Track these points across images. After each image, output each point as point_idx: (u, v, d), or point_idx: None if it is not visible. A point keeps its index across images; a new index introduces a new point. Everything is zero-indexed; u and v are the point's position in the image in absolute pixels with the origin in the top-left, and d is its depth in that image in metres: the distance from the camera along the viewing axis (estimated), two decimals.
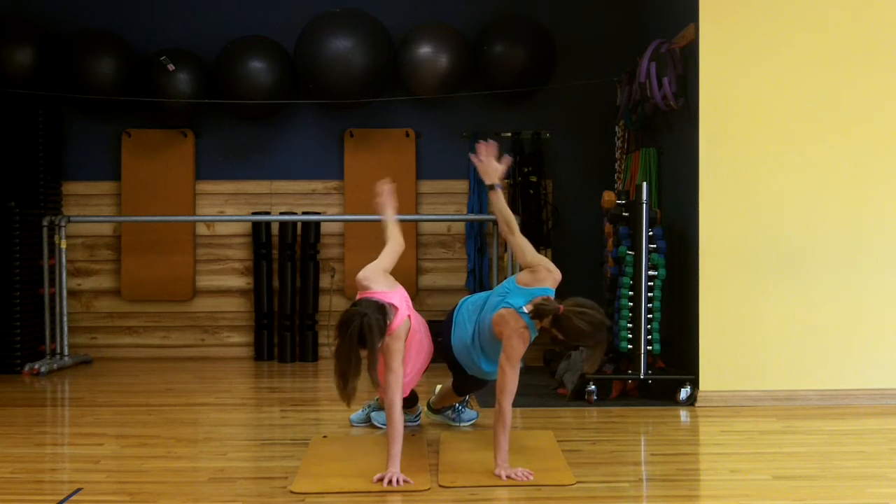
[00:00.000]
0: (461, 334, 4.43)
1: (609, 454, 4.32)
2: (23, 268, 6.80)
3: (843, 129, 5.38)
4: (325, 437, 4.64)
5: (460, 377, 4.60)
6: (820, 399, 5.34)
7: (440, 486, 3.78)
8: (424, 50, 7.08)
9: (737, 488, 3.75)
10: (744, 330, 5.37)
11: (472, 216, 7.41)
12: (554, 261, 7.34)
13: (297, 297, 7.37)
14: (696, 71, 5.45)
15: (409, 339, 4.21)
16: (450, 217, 7.50)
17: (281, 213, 7.45)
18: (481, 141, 4.40)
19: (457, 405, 4.90)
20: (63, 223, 6.87)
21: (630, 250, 5.63)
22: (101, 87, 7.07)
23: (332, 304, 7.43)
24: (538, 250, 7.27)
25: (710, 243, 5.38)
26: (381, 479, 3.76)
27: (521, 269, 4.30)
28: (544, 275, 4.14)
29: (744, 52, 5.38)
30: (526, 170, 7.42)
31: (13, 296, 6.74)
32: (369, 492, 3.70)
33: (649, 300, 5.57)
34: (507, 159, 4.38)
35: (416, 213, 7.45)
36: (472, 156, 4.41)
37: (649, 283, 5.58)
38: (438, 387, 4.95)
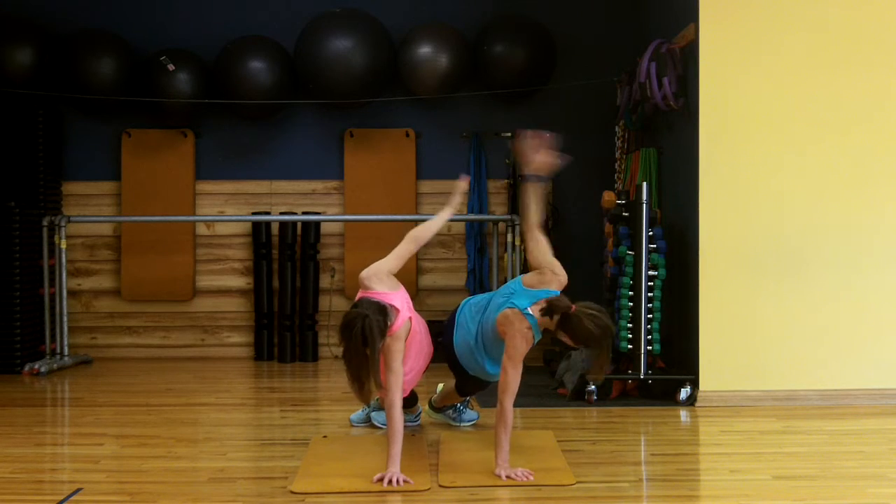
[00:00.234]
0: (464, 335, 4.42)
1: (609, 454, 4.32)
2: (23, 268, 6.80)
3: (843, 129, 5.38)
4: (325, 437, 4.64)
5: (462, 378, 4.60)
6: (820, 399, 5.34)
7: (440, 486, 3.78)
8: (424, 50, 7.08)
9: (737, 488, 3.75)
10: (744, 330, 5.37)
11: (472, 216, 7.41)
12: None
13: (297, 297, 7.38)
14: (696, 71, 5.45)
15: (410, 340, 4.21)
16: (449, 217, 7.47)
17: (281, 213, 7.45)
18: (539, 132, 4.24)
19: (458, 405, 4.90)
20: (63, 223, 6.87)
21: (630, 250, 5.63)
22: (101, 87, 7.07)
23: (332, 304, 7.43)
24: None
25: (710, 243, 5.38)
26: (381, 479, 3.76)
27: (524, 271, 4.28)
28: (550, 277, 4.14)
29: (744, 52, 5.38)
30: None
31: (13, 296, 6.74)
32: (369, 492, 3.69)
33: (649, 300, 5.57)
34: (566, 157, 4.28)
35: (416, 213, 7.45)
36: (522, 137, 4.26)
37: (649, 283, 5.58)
38: (440, 385, 4.95)
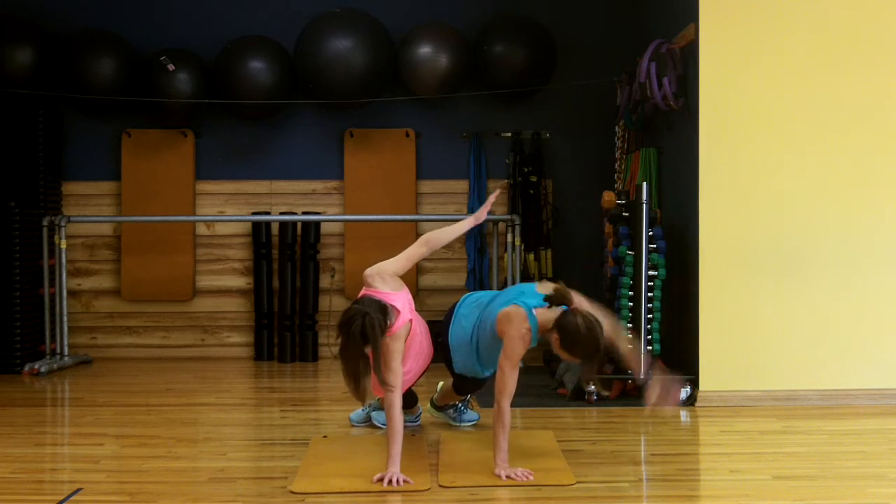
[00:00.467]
0: (460, 330, 4.43)
1: (609, 454, 4.31)
2: (23, 268, 6.80)
3: (843, 129, 5.37)
4: (325, 437, 4.64)
5: (458, 377, 4.60)
6: (820, 399, 5.34)
7: (440, 486, 3.78)
8: (424, 50, 7.08)
9: (737, 488, 3.75)
10: (744, 330, 5.37)
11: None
12: (554, 261, 7.44)
13: (297, 297, 7.37)
14: (696, 71, 5.45)
15: (409, 340, 4.21)
16: (450, 217, 7.48)
17: (281, 213, 7.45)
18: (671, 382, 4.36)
19: (458, 405, 4.90)
20: (63, 223, 6.87)
21: (630, 250, 5.63)
22: (101, 87, 7.07)
23: (332, 304, 7.43)
24: (538, 250, 7.36)
25: (710, 243, 5.38)
26: (381, 479, 3.76)
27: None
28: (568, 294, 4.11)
29: (744, 52, 5.38)
30: (526, 170, 7.42)
31: (13, 296, 6.74)
32: (369, 492, 3.69)
33: (649, 300, 5.57)
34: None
35: (416, 213, 7.45)
36: (655, 390, 4.33)
37: (649, 283, 5.57)
38: (441, 384, 4.95)
